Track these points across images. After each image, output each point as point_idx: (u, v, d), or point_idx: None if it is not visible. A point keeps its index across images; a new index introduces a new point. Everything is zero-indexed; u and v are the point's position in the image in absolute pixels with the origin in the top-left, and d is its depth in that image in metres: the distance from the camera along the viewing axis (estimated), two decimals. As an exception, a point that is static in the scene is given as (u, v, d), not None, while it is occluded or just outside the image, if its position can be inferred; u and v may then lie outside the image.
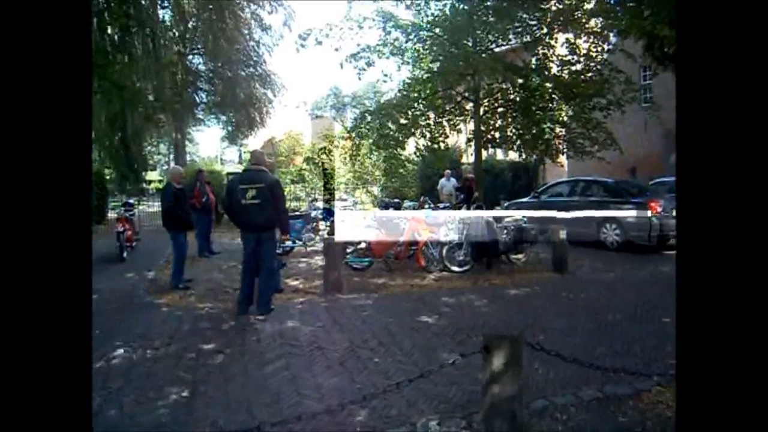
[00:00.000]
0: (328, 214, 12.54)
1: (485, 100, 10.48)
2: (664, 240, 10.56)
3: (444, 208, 10.30)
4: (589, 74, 9.66)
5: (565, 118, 10.60)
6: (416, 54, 10.57)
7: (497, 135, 10.94)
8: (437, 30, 8.95)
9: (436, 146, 11.60)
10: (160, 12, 18.43)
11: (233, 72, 22.33)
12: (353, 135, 10.12)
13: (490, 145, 11.67)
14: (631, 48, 10.07)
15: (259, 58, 23.36)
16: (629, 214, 10.30)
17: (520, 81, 9.79)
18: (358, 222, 11.32)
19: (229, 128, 25.99)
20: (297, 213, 10.60)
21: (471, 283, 7.65)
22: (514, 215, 9.43)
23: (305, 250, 10.79)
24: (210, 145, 66.08)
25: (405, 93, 10.61)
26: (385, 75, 11.11)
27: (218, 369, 4.26)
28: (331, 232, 9.24)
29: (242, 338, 5.07)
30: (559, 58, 10.05)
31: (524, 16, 9.46)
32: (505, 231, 8.95)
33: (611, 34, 9.54)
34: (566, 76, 9.83)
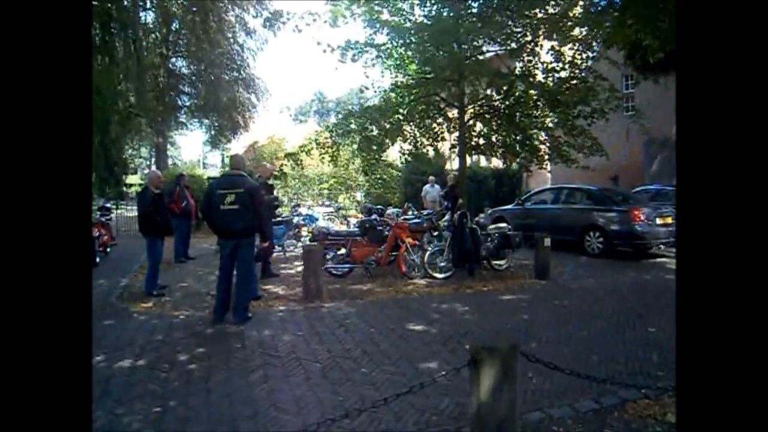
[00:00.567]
0: (311, 220, 12.40)
1: (470, 107, 10.43)
2: (646, 248, 10.62)
3: (428, 215, 10.21)
4: (574, 82, 9.67)
5: (550, 125, 10.60)
6: (401, 59, 10.51)
7: (481, 142, 10.89)
8: (423, 35, 8.87)
9: (419, 152, 11.52)
10: (143, 14, 18.18)
11: (216, 75, 22.09)
12: (334, 134, 9.98)
13: (474, 152, 11.62)
14: (615, 56, 10.12)
15: (243, 61, 23.16)
16: (612, 221, 10.34)
17: (505, 88, 9.76)
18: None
19: (212, 132, 25.68)
20: (278, 219, 10.42)
21: (453, 290, 7.56)
22: (500, 225, 9.40)
23: (284, 256, 10.63)
24: (192, 149, 65.49)
25: (389, 97, 10.53)
26: (369, 78, 10.92)
27: (193, 381, 4.08)
28: (313, 239, 9.08)
29: (218, 348, 4.88)
30: (545, 65, 10.05)
31: (509, 23, 9.45)
32: (489, 237, 8.90)
33: (594, 43, 9.58)
34: (551, 84, 9.83)
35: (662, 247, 10.65)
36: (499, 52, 10.57)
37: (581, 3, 10.37)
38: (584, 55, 9.79)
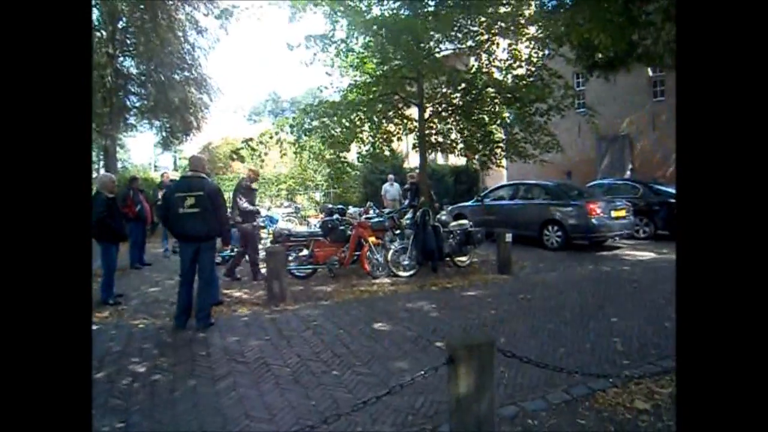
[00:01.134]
0: (271, 221, 12.19)
1: (429, 105, 10.47)
2: (602, 240, 10.96)
3: (389, 213, 10.20)
4: (531, 79, 9.85)
5: (508, 121, 10.76)
6: (360, 58, 10.44)
7: (441, 139, 10.96)
8: (381, 31, 8.82)
9: (378, 152, 11.47)
10: (86, 11, 17.36)
11: (167, 75, 21.38)
12: (296, 129, 9.78)
13: (434, 150, 11.68)
14: (568, 54, 10.36)
15: (194, 61, 22.48)
16: (570, 215, 10.60)
17: (463, 85, 9.84)
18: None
19: (163, 134, 24.83)
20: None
21: (418, 288, 7.57)
22: (461, 222, 9.47)
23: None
24: (143, 152, 63.36)
25: (348, 97, 10.45)
26: (330, 76, 10.74)
27: (157, 393, 3.90)
28: (274, 241, 8.91)
29: (182, 356, 4.70)
30: (502, 62, 10.19)
31: (466, 22, 9.52)
32: (451, 234, 8.97)
33: (548, 41, 9.77)
34: (509, 81, 9.98)
35: (617, 239, 11.01)
36: (456, 49, 10.64)
37: (533, 2, 10.58)
38: (539, 53, 9.98)
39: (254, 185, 8.95)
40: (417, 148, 11.04)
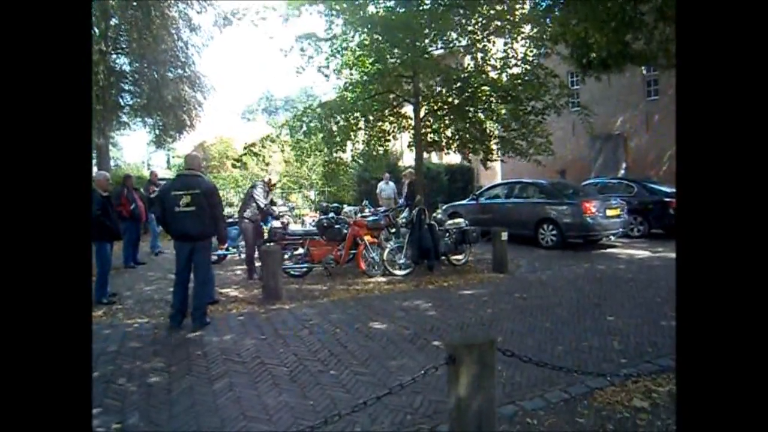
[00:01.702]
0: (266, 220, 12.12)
1: (425, 103, 10.46)
2: (597, 239, 10.99)
3: (385, 212, 10.18)
4: (526, 77, 9.86)
5: (505, 118, 10.77)
6: (356, 57, 10.41)
7: (436, 138, 10.96)
8: (377, 30, 8.81)
9: (374, 151, 11.46)
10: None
11: (160, 73, 21.23)
12: (294, 131, 9.77)
13: (430, 148, 11.67)
14: (564, 52, 10.39)
15: (187, 59, 22.33)
16: (565, 214, 10.63)
17: (459, 84, 9.84)
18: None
19: (156, 132, 24.68)
20: (232, 219, 10.12)
21: (414, 287, 7.57)
22: (457, 221, 9.48)
23: (239, 257, 10.36)
24: (136, 150, 63.02)
25: (344, 96, 10.43)
26: (326, 77, 10.68)
27: (153, 393, 3.87)
28: (270, 240, 8.88)
29: (178, 356, 4.67)
30: (497, 60, 10.20)
31: (462, 21, 9.53)
32: (447, 233, 8.97)
33: (544, 39, 9.79)
34: (504, 79, 9.98)
35: (612, 237, 11.05)
36: (452, 48, 10.64)
37: (527, 1, 10.59)
38: (535, 52, 9.99)
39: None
40: (412, 147, 11.03)
